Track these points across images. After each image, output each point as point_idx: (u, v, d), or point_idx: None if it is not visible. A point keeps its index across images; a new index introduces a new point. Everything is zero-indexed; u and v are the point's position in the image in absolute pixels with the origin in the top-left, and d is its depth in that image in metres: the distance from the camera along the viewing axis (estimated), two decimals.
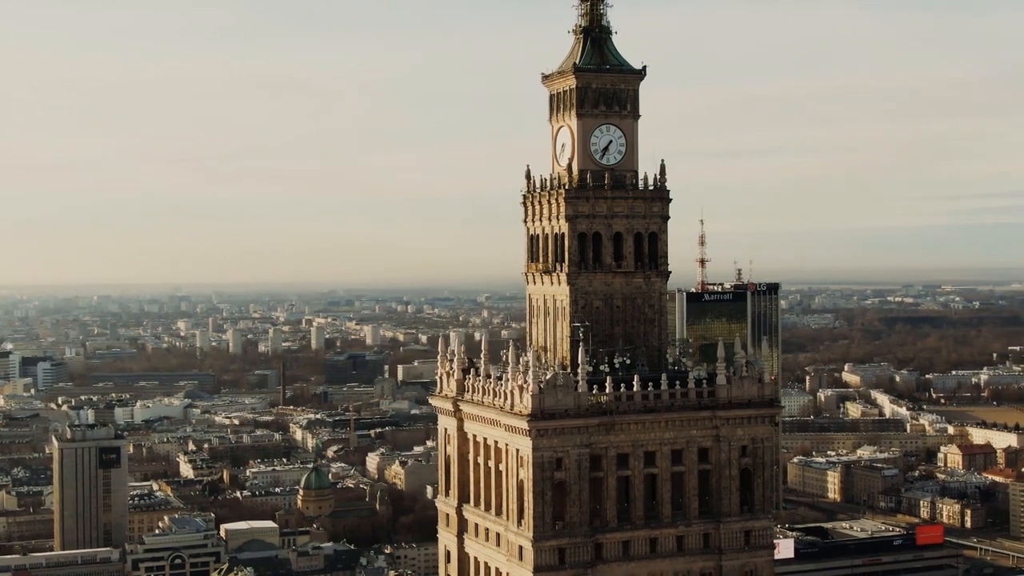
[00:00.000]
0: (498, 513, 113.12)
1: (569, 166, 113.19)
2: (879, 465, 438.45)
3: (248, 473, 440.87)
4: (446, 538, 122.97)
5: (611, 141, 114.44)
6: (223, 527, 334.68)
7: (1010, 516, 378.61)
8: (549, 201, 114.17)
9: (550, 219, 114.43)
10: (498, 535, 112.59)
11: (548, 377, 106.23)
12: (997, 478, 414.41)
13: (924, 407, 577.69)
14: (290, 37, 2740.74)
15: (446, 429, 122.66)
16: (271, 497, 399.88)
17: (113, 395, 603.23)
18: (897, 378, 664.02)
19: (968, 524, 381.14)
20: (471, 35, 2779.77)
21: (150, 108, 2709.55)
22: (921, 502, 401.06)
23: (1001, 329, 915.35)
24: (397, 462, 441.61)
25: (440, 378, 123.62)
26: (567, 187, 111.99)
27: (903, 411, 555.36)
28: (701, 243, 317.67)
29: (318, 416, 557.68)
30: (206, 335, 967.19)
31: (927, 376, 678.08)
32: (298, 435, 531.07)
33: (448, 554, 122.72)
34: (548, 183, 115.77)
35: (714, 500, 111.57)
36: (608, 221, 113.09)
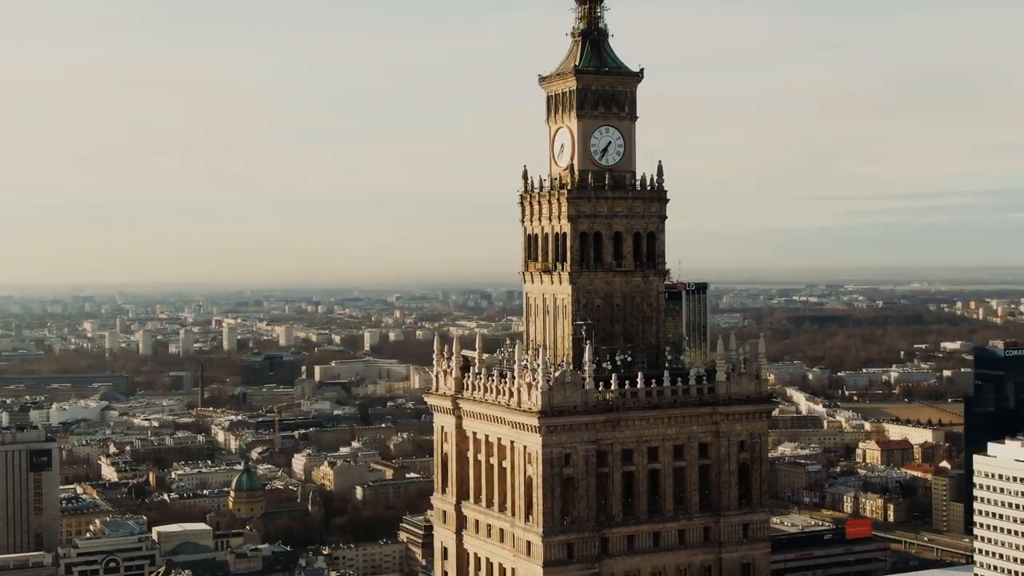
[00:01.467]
0: (501, 509, 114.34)
1: (571, 167, 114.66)
2: (802, 461, 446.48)
3: (174, 475, 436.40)
4: (443, 535, 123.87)
5: (610, 142, 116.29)
6: (155, 530, 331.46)
7: (932, 510, 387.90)
8: (550, 201, 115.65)
9: (550, 219, 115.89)
10: (502, 531, 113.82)
11: (557, 375, 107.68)
12: (916, 473, 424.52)
13: (839, 404, 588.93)
14: (199, 31, 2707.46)
15: (443, 427, 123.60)
16: (200, 499, 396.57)
17: (27, 397, 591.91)
18: (810, 376, 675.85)
19: (891, 518, 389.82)
20: (385, 34, 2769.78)
21: (47, 106, 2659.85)
22: (845, 497, 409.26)
23: (905, 328, 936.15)
24: (326, 463, 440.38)
25: (436, 376, 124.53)
26: (569, 187, 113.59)
27: (820, 408, 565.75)
28: None
29: (239, 418, 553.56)
30: (115, 336, 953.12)
31: (839, 374, 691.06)
32: (220, 437, 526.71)
33: (445, 551, 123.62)
34: (546, 183, 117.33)
35: (714, 494, 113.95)
36: (608, 221, 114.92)
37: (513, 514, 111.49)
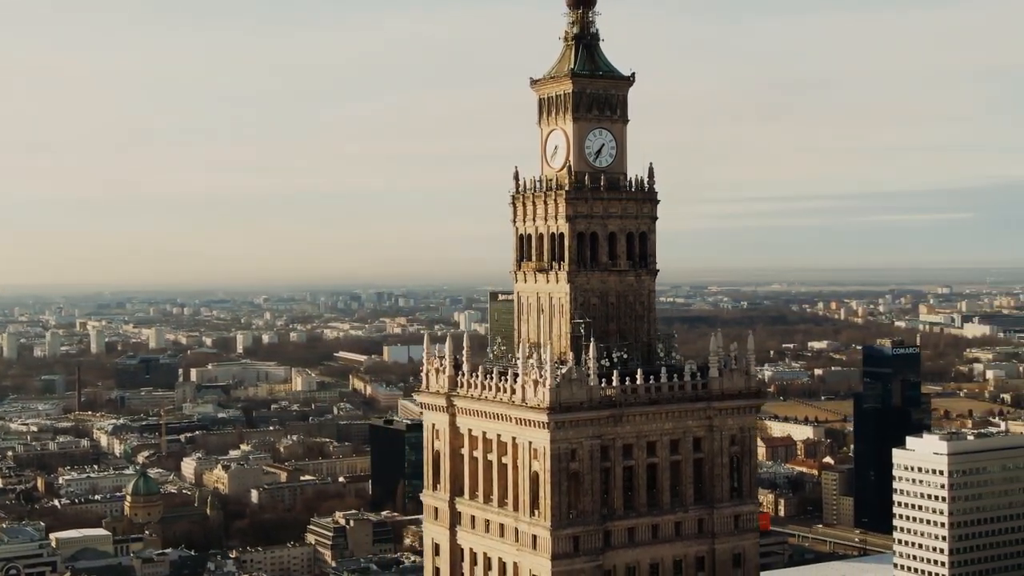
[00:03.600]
0: (501, 505, 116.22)
1: (568, 168, 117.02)
2: None
3: (61, 481, 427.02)
4: (434, 532, 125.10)
5: (603, 144, 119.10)
6: (53, 536, 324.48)
7: (822, 504, 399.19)
8: (545, 202, 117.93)
9: (546, 219, 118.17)
10: (502, 526, 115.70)
11: (563, 372, 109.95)
12: (802, 468, 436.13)
13: None
14: (69, 26, 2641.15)
15: (434, 424, 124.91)
16: (92, 504, 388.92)
17: None
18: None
19: (783, 512, 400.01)
20: (261, 34, 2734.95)
21: None
22: None
23: (772, 328, 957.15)
24: (219, 466, 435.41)
25: (427, 374, 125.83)
26: (567, 188, 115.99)
27: None
28: None
29: (121, 421, 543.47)
30: None
31: None
32: (104, 441, 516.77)
33: (436, 547, 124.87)
34: (540, 184, 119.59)
35: (707, 487, 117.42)
36: (604, 221, 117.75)
37: (516, 509, 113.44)
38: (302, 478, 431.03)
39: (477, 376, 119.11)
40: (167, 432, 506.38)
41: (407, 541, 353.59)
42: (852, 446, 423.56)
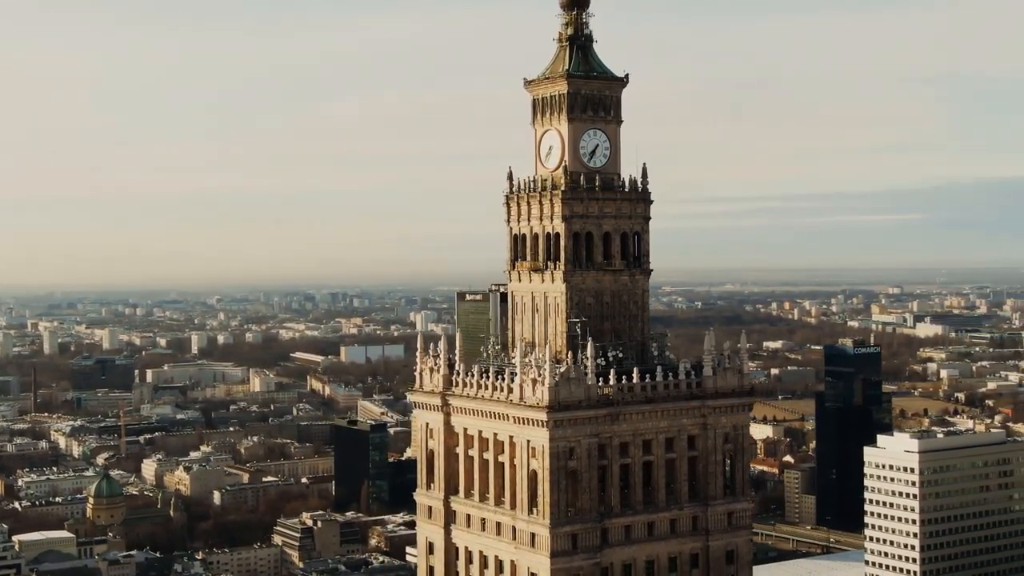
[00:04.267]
0: (498, 503, 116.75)
1: (564, 169, 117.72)
2: None
3: (21, 483, 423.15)
4: (428, 530, 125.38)
5: (598, 145, 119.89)
6: (15, 538, 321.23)
7: (784, 503, 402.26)
8: (540, 201, 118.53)
9: (541, 219, 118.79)
10: (498, 524, 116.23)
11: (562, 371, 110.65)
12: (762, 467, 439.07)
13: None
14: (15, 24, 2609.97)
15: (427, 423, 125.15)
16: (53, 506, 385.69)
17: None
18: None
19: None
20: (209, 36, 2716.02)
21: None
22: None
23: (728, 328, 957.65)
24: (181, 468, 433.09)
25: (420, 374, 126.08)
26: (563, 189, 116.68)
27: None
28: None
29: (79, 423, 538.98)
30: None
31: None
32: (62, 443, 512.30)
33: (431, 546, 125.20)
34: (534, 185, 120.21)
35: (701, 484, 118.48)
36: (599, 221, 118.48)
37: (514, 507, 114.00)
38: (264, 479, 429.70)
39: (473, 375, 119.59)
40: (126, 433, 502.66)
41: (373, 542, 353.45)
42: (812, 445, 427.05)
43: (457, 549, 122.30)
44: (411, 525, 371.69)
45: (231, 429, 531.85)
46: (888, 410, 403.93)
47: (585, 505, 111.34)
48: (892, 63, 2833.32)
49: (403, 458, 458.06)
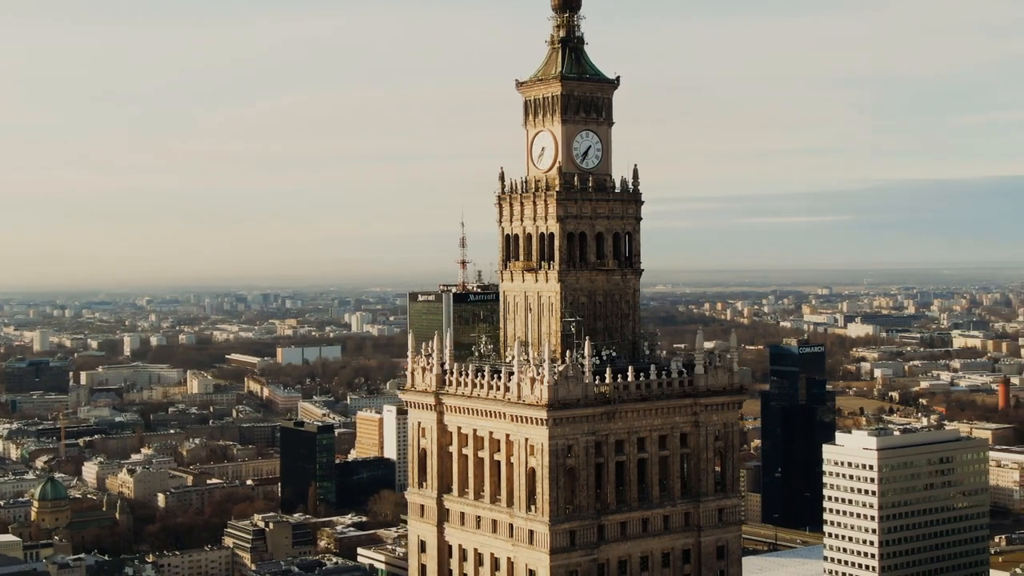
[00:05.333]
0: (494, 501, 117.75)
1: (559, 169, 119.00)
2: None
3: None
4: (420, 529, 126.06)
5: (590, 146, 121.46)
6: None
7: None
8: (534, 202, 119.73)
9: (534, 219, 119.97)
10: (494, 522, 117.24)
11: (560, 369, 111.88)
12: None
13: None
14: None
15: (419, 423, 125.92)
16: None
17: None
18: None
19: None
20: (141, 31, 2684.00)
21: None
22: None
23: (663, 328, 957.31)
24: (124, 471, 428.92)
25: (412, 374, 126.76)
26: (558, 189, 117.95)
27: None
28: (462, 245, 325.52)
29: (15, 426, 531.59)
30: None
31: None
32: (0, 446, 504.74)
33: (423, 544, 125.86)
34: (527, 185, 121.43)
35: (693, 481, 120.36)
36: (592, 222, 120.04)
37: (511, 505, 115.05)
38: (209, 481, 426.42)
39: (466, 374, 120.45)
40: (65, 436, 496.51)
41: (322, 543, 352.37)
42: (756, 443, 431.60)
43: (450, 547, 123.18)
44: (360, 526, 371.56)
45: (171, 431, 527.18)
46: (832, 409, 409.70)
47: (583, 502, 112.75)
48: (818, 66, 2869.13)
49: (349, 460, 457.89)
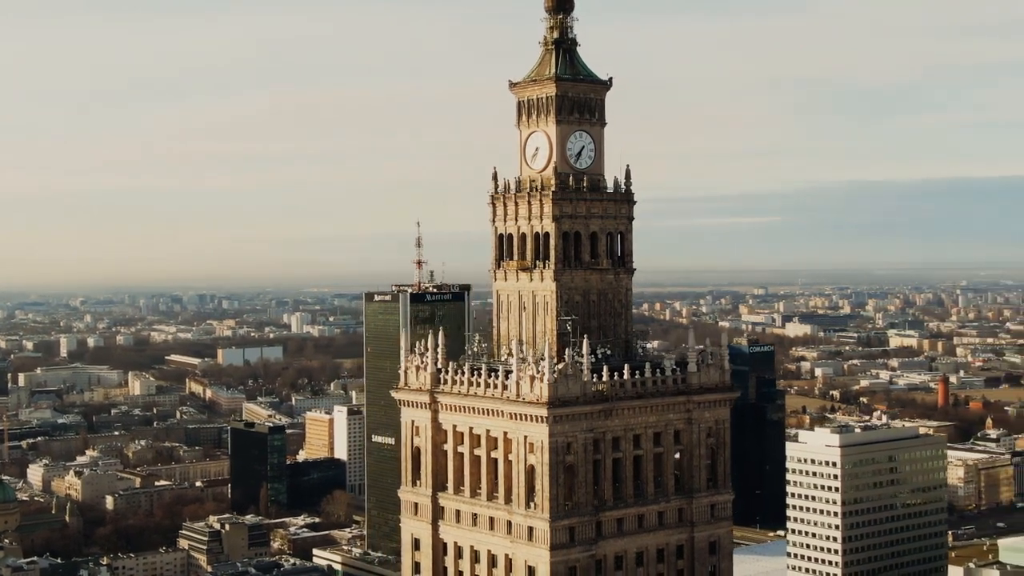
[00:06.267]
0: (490, 498, 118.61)
1: (554, 169, 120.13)
2: None
3: None
4: (414, 527, 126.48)
5: (583, 147, 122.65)
6: None
7: None
8: (529, 202, 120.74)
9: (529, 219, 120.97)
10: (491, 519, 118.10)
11: (560, 367, 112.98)
12: None
13: None
14: None
15: (413, 421, 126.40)
16: None
17: None
18: None
19: None
20: (76, 32, 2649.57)
21: None
22: None
23: None
24: (71, 472, 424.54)
25: (405, 372, 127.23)
26: (553, 189, 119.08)
27: None
28: (418, 245, 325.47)
29: None
30: None
31: None
32: None
33: (416, 542, 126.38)
34: (520, 185, 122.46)
35: (685, 477, 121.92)
36: (586, 221, 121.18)
37: (509, 502, 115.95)
38: (157, 483, 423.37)
39: (462, 373, 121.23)
40: (7, 439, 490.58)
41: (276, 544, 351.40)
42: None
43: (445, 544, 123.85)
44: (314, 527, 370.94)
45: (116, 433, 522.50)
46: (782, 408, 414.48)
47: (582, 499, 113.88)
48: (752, 68, 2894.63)
49: (299, 460, 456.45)
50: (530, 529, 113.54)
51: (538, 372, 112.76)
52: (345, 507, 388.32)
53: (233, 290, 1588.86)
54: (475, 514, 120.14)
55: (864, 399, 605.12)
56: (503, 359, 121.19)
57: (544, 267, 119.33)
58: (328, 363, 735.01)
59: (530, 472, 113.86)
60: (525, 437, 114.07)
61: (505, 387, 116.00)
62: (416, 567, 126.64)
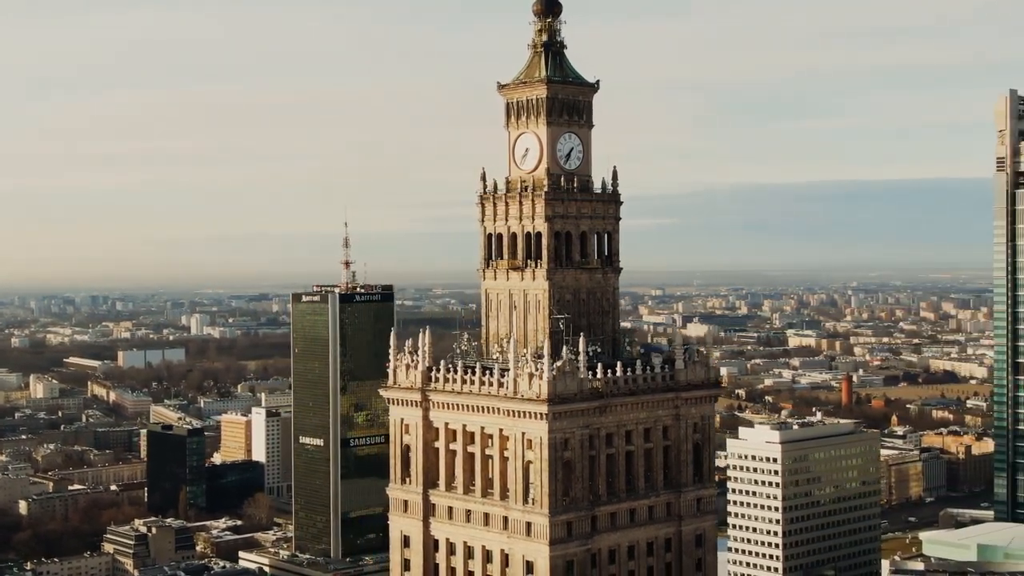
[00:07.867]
0: (485, 495, 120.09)
1: (547, 170, 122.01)
2: None
3: None
4: (403, 524, 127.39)
5: (572, 148, 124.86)
6: None
7: None
8: (520, 202, 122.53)
9: (520, 219, 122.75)
10: (486, 515, 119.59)
11: (558, 365, 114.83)
12: None
13: None
14: None
15: (403, 419, 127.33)
16: None
17: None
18: None
19: None
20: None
21: None
22: None
23: None
24: None
25: (395, 371, 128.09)
26: (546, 190, 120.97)
27: None
28: (345, 245, 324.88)
29: None
30: None
31: None
32: None
33: (406, 539, 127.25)
34: (510, 186, 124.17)
35: (673, 472, 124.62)
36: (577, 221, 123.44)
37: (505, 498, 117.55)
38: (71, 487, 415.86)
39: (454, 371, 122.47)
40: None
41: (200, 548, 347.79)
42: None
43: (436, 541, 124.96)
44: (236, 530, 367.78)
45: (23, 437, 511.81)
46: None
47: (579, 494, 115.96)
48: (647, 72, 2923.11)
49: (217, 463, 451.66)
50: (528, 524, 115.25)
51: (536, 370, 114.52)
52: (267, 509, 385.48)
53: (127, 291, 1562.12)
54: (468, 510, 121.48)
55: (769, 398, 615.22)
56: (494, 357, 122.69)
57: (536, 266, 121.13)
58: (232, 365, 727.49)
59: (527, 468, 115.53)
60: (523, 434, 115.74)
61: (501, 384, 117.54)
62: (406, 564, 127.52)
